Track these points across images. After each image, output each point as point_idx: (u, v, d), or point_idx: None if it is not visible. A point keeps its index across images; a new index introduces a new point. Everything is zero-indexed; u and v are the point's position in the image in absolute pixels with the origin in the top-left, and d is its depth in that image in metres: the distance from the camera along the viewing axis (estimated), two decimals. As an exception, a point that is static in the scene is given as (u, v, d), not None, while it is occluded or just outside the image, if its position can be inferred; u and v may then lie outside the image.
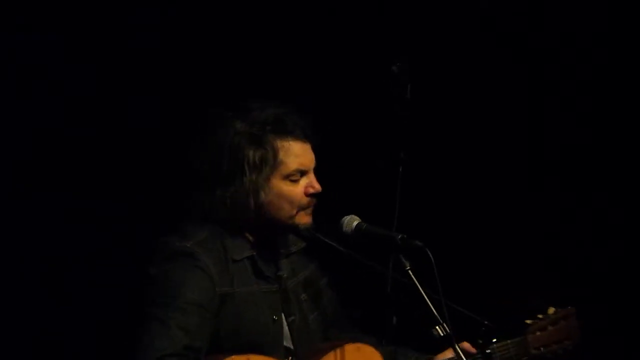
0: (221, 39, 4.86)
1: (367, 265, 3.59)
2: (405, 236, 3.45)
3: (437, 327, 3.38)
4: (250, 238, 3.58)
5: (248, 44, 4.88)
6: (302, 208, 3.57)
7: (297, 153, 3.57)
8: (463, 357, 3.36)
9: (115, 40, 4.67)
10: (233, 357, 3.40)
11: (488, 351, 3.68)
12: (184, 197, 3.62)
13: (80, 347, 4.57)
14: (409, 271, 3.41)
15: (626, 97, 5.16)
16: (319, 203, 3.61)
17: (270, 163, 3.53)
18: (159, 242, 3.52)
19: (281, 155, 3.55)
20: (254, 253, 3.56)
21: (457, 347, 3.39)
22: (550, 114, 5.22)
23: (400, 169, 3.87)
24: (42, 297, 4.56)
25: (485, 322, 3.58)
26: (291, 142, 3.57)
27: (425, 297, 3.38)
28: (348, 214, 3.60)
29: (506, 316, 3.71)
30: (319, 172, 3.63)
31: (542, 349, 3.80)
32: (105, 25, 4.66)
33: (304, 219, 3.58)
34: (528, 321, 3.83)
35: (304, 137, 3.59)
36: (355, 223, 3.56)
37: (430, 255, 3.36)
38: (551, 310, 3.86)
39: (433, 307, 3.37)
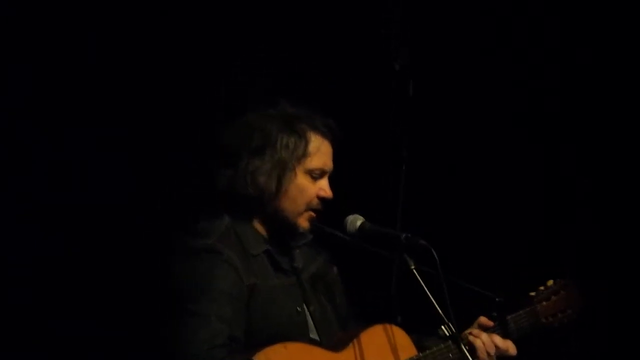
0: (221, 39, 4.86)
1: (373, 252, 3.57)
2: (409, 235, 3.43)
3: (442, 327, 3.39)
4: (261, 231, 3.56)
5: (248, 45, 4.88)
6: (309, 208, 3.54)
7: (324, 152, 3.56)
8: (468, 355, 3.36)
9: (115, 43, 4.66)
10: (270, 346, 3.32)
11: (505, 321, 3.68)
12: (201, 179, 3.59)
13: (81, 347, 4.56)
14: (414, 270, 3.40)
15: (626, 97, 5.16)
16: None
17: (300, 151, 3.50)
18: (177, 242, 3.48)
19: (311, 147, 3.53)
20: (269, 247, 3.54)
21: (462, 346, 3.38)
22: (550, 113, 5.22)
23: (403, 168, 3.83)
24: (42, 297, 4.54)
25: (497, 299, 3.57)
26: (322, 139, 3.56)
27: (430, 296, 3.36)
28: (351, 214, 3.58)
29: (510, 290, 3.70)
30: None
31: (550, 318, 3.82)
32: (105, 25, 4.65)
33: (305, 223, 3.55)
34: (532, 293, 3.84)
35: (331, 139, 3.58)
36: (359, 222, 3.55)
37: (435, 255, 3.34)
38: (550, 282, 3.89)
39: (438, 306, 3.36)
